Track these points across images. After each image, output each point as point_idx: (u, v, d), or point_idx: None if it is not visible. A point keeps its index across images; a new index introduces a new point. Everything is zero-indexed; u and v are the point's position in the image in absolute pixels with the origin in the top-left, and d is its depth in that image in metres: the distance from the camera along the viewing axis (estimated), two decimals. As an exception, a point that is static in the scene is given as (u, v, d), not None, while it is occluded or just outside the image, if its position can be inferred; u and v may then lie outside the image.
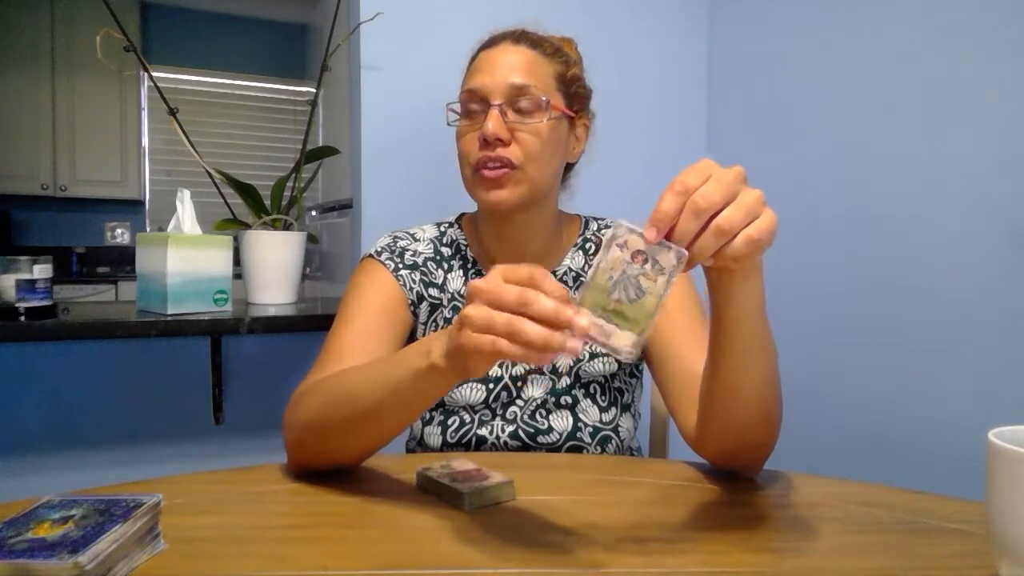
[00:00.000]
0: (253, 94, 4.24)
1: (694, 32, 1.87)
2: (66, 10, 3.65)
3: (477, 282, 0.58)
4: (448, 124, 0.96)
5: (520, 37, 0.95)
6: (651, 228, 0.54)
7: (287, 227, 1.45)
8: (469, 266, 1.00)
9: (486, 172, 0.90)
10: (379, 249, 0.99)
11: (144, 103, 3.94)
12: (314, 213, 2.24)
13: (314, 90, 1.52)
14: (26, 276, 1.18)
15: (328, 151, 1.52)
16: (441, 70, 1.58)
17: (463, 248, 1.02)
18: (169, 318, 1.23)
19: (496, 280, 0.57)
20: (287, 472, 0.80)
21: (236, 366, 1.48)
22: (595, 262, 0.55)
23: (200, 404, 1.45)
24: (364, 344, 0.88)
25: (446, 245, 1.02)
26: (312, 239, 1.52)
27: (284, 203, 1.45)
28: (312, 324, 1.32)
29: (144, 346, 1.42)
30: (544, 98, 0.91)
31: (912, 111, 1.37)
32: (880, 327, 1.43)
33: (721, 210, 0.54)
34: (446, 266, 1.00)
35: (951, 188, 1.30)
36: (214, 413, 1.45)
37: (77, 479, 1.31)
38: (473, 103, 0.92)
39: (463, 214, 1.06)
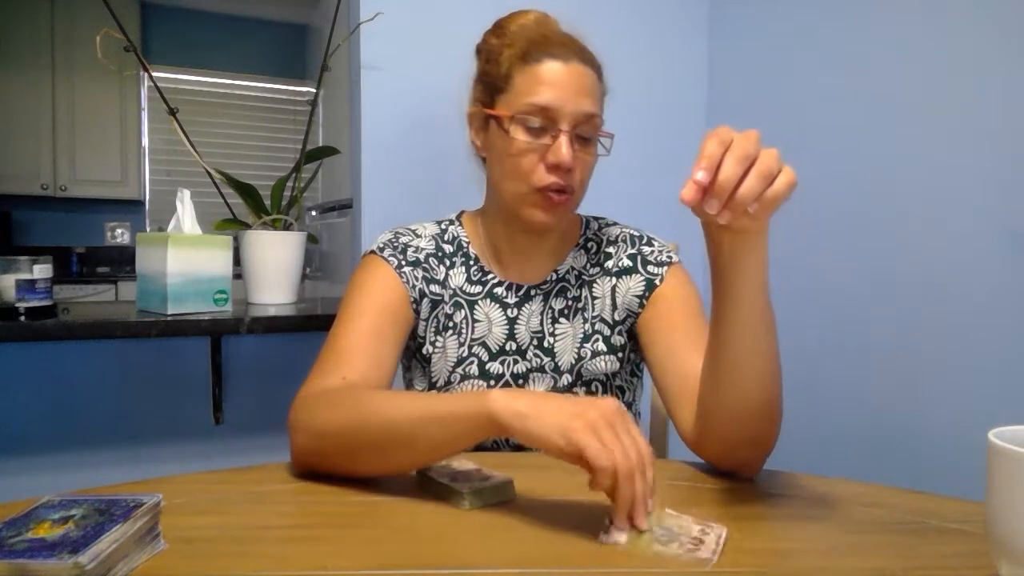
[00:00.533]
0: (253, 94, 4.24)
1: (694, 32, 1.87)
2: (66, 10, 3.65)
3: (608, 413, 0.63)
4: (516, 140, 0.89)
5: (582, 56, 0.91)
6: (701, 170, 0.59)
7: (287, 227, 1.45)
8: (471, 263, 1.00)
9: (553, 196, 0.89)
10: (381, 245, 0.98)
11: (144, 103, 3.94)
12: (314, 213, 2.24)
13: (314, 90, 1.52)
14: (26, 276, 1.18)
15: (328, 151, 1.53)
16: (441, 70, 1.59)
17: (464, 245, 1.01)
18: (169, 318, 1.23)
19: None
20: (287, 472, 0.80)
21: (236, 366, 1.48)
22: (685, 518, 0.64)
23: (200, 404, 1.45)
24: (366, 345, 0.87)
25: (447, 242, 1.01)
26: (312, 239, 1.52)
27: (284, 203, 1.45)
28: (312, 324, 1.32)
29: (144, 346, 1.42)
30: (599, 129, 0.91)
31: (913, 110, 1.37)
32: (880, 327, 1.43)
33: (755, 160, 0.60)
34: (448, 263, 1.00)
35: (951, 188, 1.30)
36: (214, 413, 1.45)
37: (77, 479, 1.31)
38: (538, 119, 0.88)
39: (463, 212, 1.06)
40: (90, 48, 1.37)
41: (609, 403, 0.64)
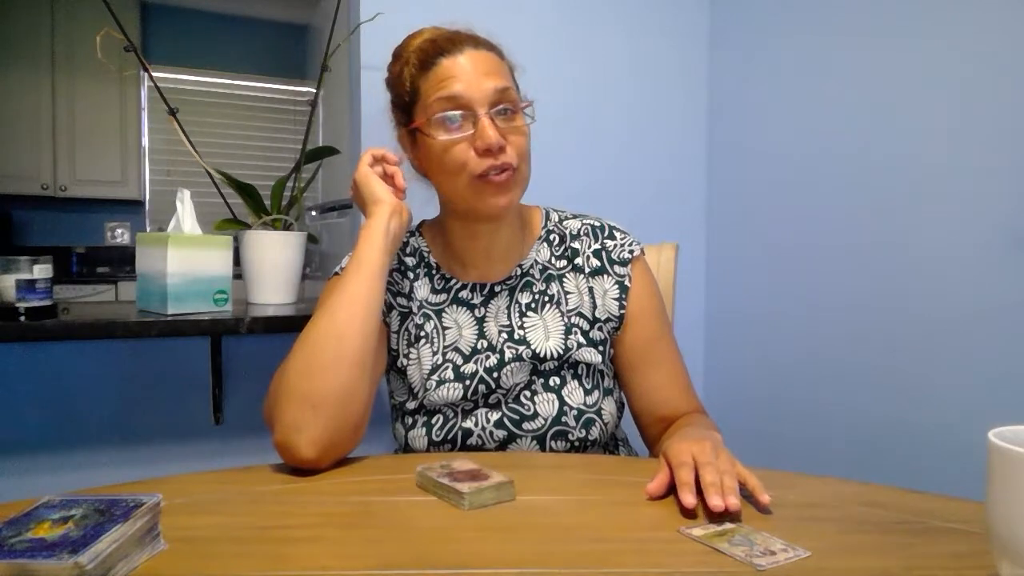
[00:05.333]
0: (253, 94, 4.24)
1: (694, 37, 1.87)
2: (66, 10, 3.64)
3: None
4: (439, 140, 0.91)
5: (476, 42, 0.95)
6: (689, 495, 0.68)
7: (287, 227, 1.45)
8: (433, 272, 1.02)
9: (495, 179, 0.91)
10: (344, 267, 0.99)
11: (144, 103, 3.93)
12: (314, 213, 2.24)
13: (314, 90, 1.52)
14: (26, 276, 1.18)
15: (328, 151, 1.52)
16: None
17: (426, 255, 1.03)
18: (169, 318, 1.22)
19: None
20: (287, 472, 0.80)
21: (236, 366, 1.48)
22: (775, 538, 0.63)
23: (200, 404, 1.45)
24: None
25: (409, 255, 1.03)
26: (312, 239, 1.52)
27: (284, 203, 1.45)
28: (312, 324, 1.31)
29: (144, 346, 1.41)
30: (520, 99, 0.94)
31: (912, 111, 1.37)
32: (881, 326, 1.43)
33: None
34: (411, 275, 1.02)
35: (951, 190, 1.30)
36: (214, 413, 1.45)
37: (77, 479, 1.31)
38: (455, 112, 0.90)
39: (423, 222, 1.08)
40: (90, 48, 1.37)
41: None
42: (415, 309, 1.00)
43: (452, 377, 0.95)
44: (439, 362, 0.97)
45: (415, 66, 0.94)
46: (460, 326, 0.99)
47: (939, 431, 1.31)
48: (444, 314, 1.00)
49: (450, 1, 1.59)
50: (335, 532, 0.64)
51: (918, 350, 1.35)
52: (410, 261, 1.03)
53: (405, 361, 0.99)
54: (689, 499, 0.67)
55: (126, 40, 1.36)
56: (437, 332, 0.99)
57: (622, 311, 1.00)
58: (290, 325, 1.32)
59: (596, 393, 0.98)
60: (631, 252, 1.02)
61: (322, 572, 0.55)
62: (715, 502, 0.65)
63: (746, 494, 0.71)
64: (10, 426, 1.32)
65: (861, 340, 1.47)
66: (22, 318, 1.17)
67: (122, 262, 4.02)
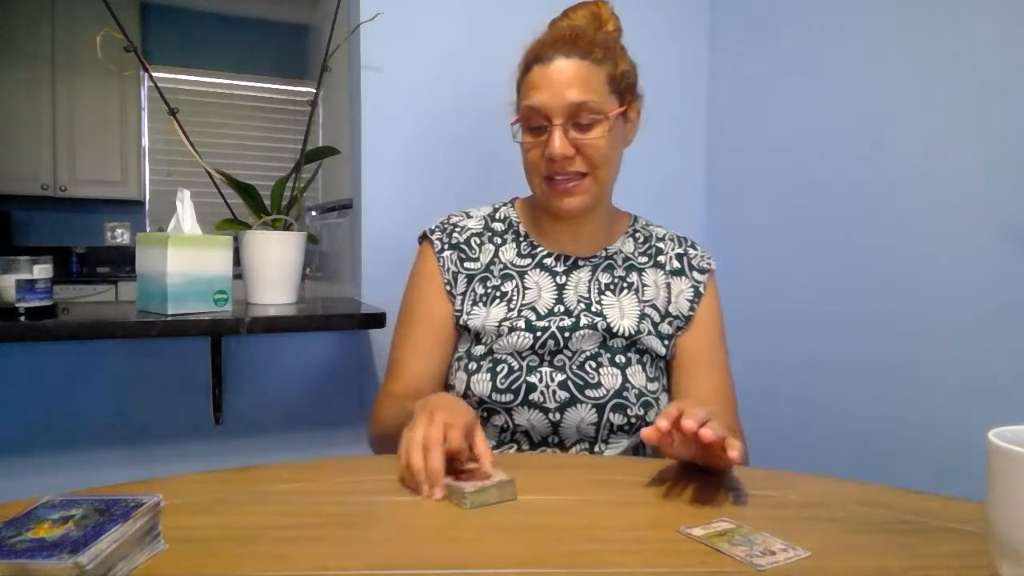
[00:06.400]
0: (253, 94, 4.24)
1: (694, 40, 1.87)
2: (66, 10, 3.64)
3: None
4: (515, 141, 1.01)
5: (571, 49, 0.97)
6: (665, 420, 0.72)
7: (287, 227, 1.45)
8: (521, 239, 1.08)
9: (559, 183, 0.98)
10: (433, 227, 1.10)
11: (144, 103, 3.93)
12: (314, 213, 2.24)
13: (314, 90, 1.52)
14: (26, 276, 1.18)
15: (328, 151, 1.52)
16: (441, 70, 1.58)
17: (515, 224, 1.10)
18: (169, 318, 1.22)
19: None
20: (287, 472, 0.80)
21: (236, 366, 1.48)
22: (775, 539, 0.63)
23: (200, 404, 1.45)
24: (414, 363, 1.03)
25: (498, 221, 1.10)
26: (312, 239, 1.52)
27: (284, 203, 1.45)
28: (312, 324, 1.32)
29: (144, 346, 1.41)
30: (602, 111, 0.97)
31: (911, 112, 1.37)
32: (881, 326, 1.43)
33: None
34: (499, 240, 1.08)
35: (950, 190, 1.30)
36: (214, 413, 1.45)
37: (77, 479, 1.31)
38: (534, 120, 0.97)
39: (516, 198, 1.14)
40: (90, 48, 1.37)
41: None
42: (496, 272, 1.05)
43: (523, 327, 1.00)
44: (513, 315, 1.01)
45: (521, 68, 1.02)
46: (540, 288, 1.04)
47: (939, 431, 1.31)
48: (527, 276, 1.05)
49: (450, 1, 1.60)
50: (335, 532, 0.64)
51: (918, 350, 1.35)
52: (498, 227, 1.09)
53: (466, 318, 1.03)
54: (662, 423, 0.71)
55: (126, 40, 1.36)
56: (517, 291, 1.04)
57: (691, 312, 1.06)
58: (290, 325, 1.32)
59: (656, 384, 1.02)
60: (708, 264, 1.10)
61: (322, 572, 0.55)
62: (687, 423, 0.69)
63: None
64: (10, 426, 1.32)
65: (861, 340, 1.47)
66: (22, 318, 1.17)
67: (122, 262, 4.03)
